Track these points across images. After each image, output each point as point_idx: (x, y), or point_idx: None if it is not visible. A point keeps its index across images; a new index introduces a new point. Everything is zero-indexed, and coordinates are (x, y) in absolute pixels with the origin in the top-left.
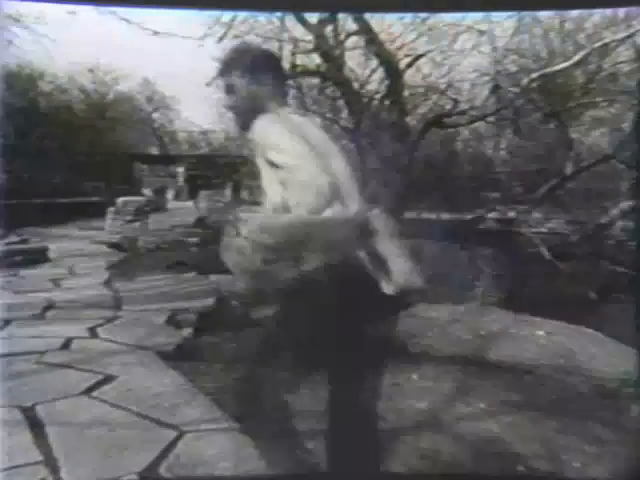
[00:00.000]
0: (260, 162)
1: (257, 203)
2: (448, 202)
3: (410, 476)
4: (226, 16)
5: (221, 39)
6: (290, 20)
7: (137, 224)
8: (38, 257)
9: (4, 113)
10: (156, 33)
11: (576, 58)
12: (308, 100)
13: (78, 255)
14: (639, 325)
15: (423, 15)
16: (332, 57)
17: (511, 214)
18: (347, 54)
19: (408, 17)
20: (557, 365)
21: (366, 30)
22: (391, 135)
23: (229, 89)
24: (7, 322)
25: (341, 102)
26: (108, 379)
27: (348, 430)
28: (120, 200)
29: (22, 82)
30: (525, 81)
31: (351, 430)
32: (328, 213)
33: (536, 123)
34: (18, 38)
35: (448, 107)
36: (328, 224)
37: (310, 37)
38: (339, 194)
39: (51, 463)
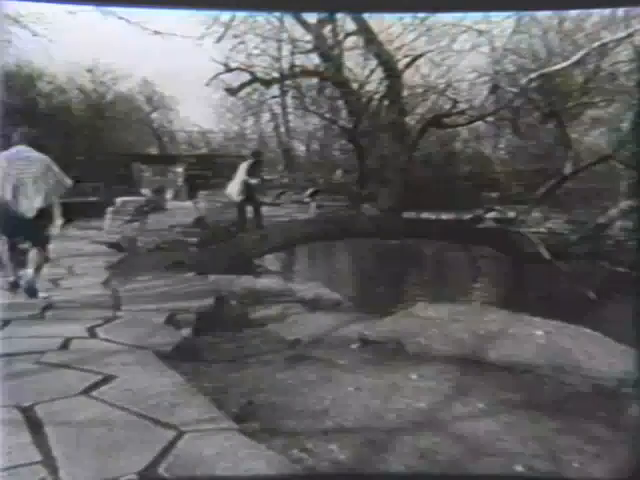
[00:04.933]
0: None
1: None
2: (447, 202)
3: (410, 476)
4: (225, 16)
5: (220, 39)
6: (289, 20)
7: (136, 224)
8: None
9: (4, 113)
10: (155, 33)
11: (575, 58)
12: (307, 100)
13: (77, 255)
14: (639, 325)
15: (422, 15)
16: (331, 57)
17: (510, 214)
18: (346, 54)
19: (407, 17)
20: (556, 365)
21: (365, 30)
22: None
23: None
24: (7, 322)
25: (340, 102)
26: (107, 379)
27: None
28: (119, 200)
29: (21, 82)
30: (524, 81)
31: None
32: None
33: (535, 123)
34: (17, 38)
35: (447, 107)
36: None
37: (309, 37)
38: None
39: (50, 463)
